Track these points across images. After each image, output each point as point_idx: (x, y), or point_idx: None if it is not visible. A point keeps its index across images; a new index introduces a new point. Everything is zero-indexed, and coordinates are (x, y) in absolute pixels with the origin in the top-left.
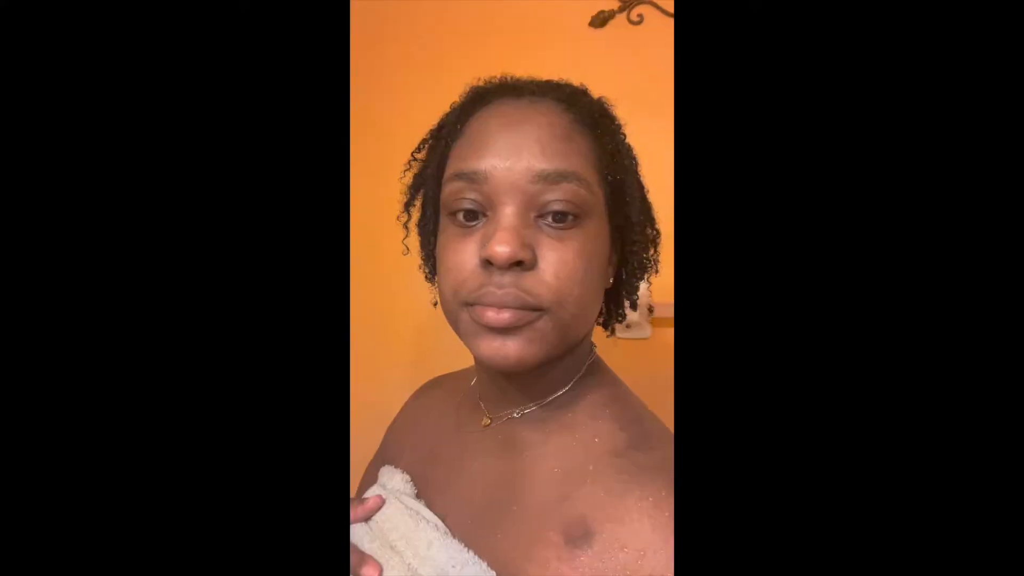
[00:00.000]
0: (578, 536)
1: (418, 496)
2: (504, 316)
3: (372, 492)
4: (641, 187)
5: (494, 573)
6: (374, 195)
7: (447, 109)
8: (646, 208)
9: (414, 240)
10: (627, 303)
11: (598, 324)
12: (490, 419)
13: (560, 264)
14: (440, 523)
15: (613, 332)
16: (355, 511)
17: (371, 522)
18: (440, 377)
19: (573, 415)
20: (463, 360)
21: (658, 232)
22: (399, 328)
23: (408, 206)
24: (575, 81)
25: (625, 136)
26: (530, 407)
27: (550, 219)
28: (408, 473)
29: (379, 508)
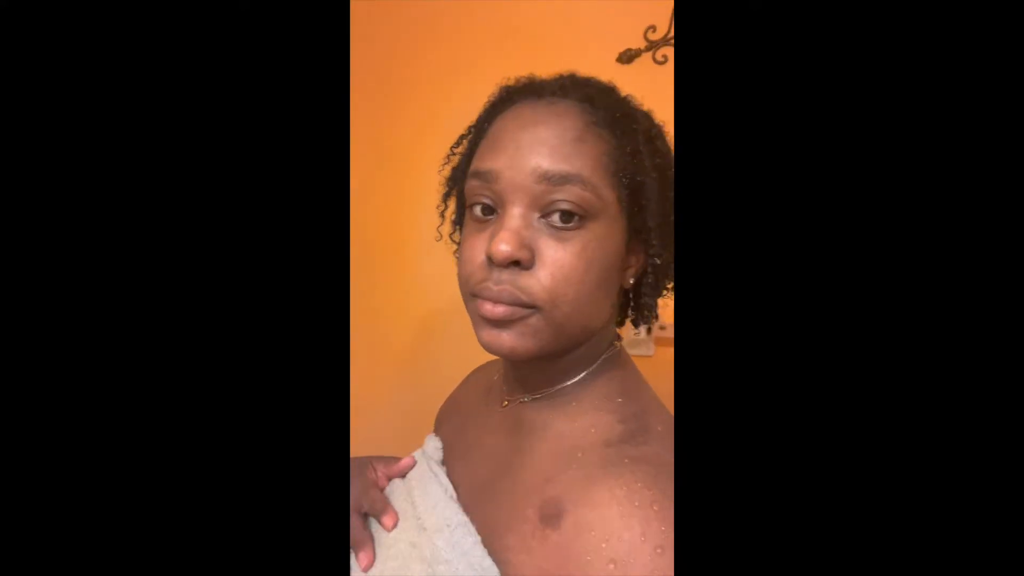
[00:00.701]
0: (551, 515)
1: (443, 462)
2: (498, 310)
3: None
4: (666, 190)
5: (479, 538)
6: (376, 195)
7: (462, 118)
8: (669, 214)
9: (447, 229)
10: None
11: (630, 321)
12: (507, 401)
13: (556, 266)
14: (450, 487)
15: (649, 331)
16: (392, 468)
17: (405, 479)
18: (486, 363)
19: (578, 404)
20: (460, 359)
21: None
22: (400, 326)
23: (446, 197)
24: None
25: (654, 138)
26: (538, 394)
27: (555, 219)
28: (442, 441)
29: (411, 467)
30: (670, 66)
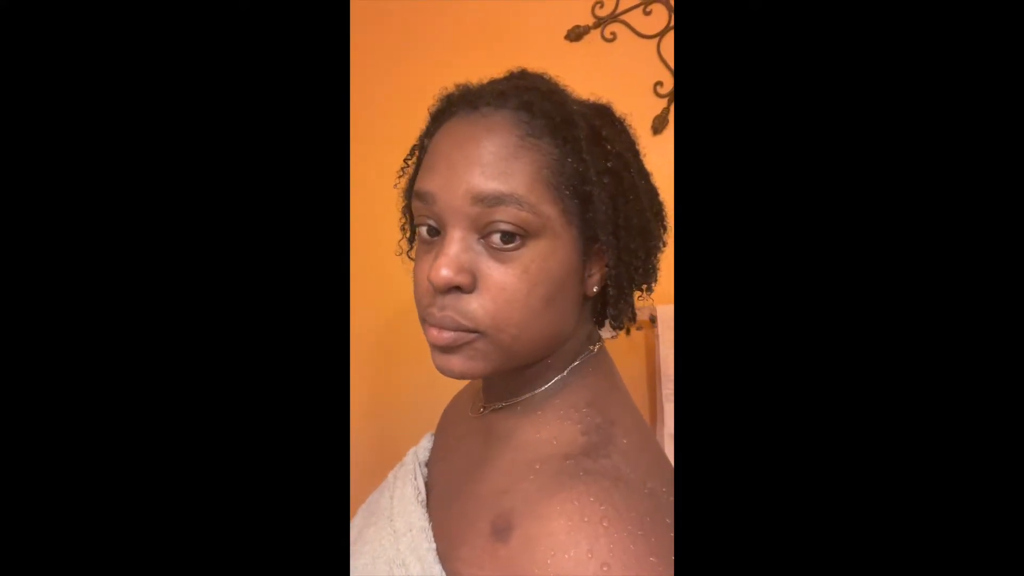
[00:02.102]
0: (501, 528)
1: (427, 463)
2: (444, 336)
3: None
4: (623, 192)
5: (435, 545)
6: (375, 194)
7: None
8: (628, 218)
9: (406, 245)
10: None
11: (609, 323)
12: (483, 408)
13: (498, 289)
14: (422, 490)
15: (628, 332)
16: None
17: (393, 476)
18: None
19: (543, 413)
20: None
21: (656, 243)
22: (399, 327)
23: (405, 211)
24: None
25: (604, 140)
26: (507, 402)
27: (495, 239)
28: (433, 441)
29: None
30: (618, 43)
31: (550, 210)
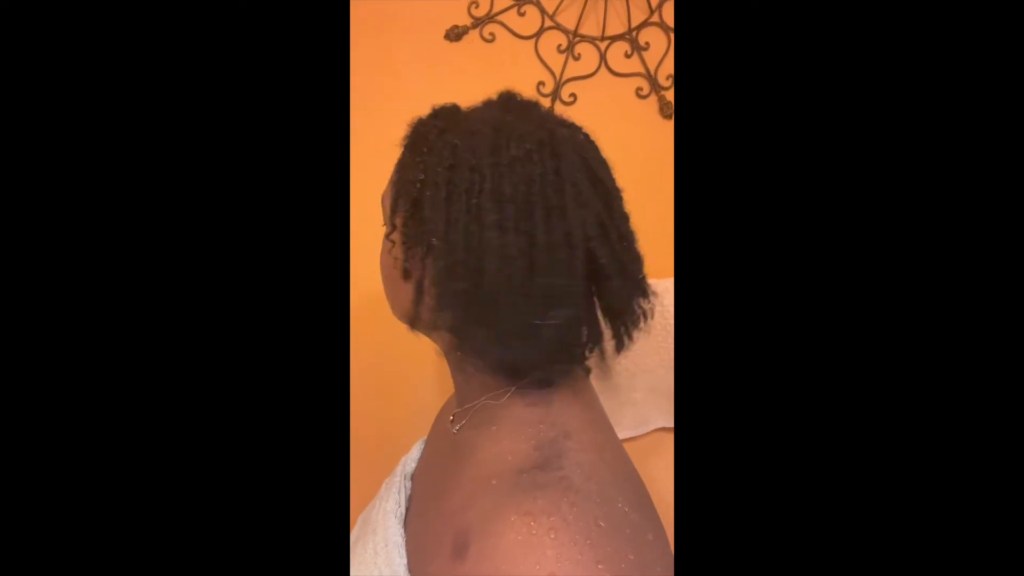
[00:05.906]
0: (460, 546)
1: (412, 475)
2: None
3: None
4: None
5: (405, 561)
6: (374, 190)
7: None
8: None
9: None
10: None
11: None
12: (453, 416)
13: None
14: (402, 504)
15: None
16: None
17: (386, 483)
18: None
19: (498, 429)
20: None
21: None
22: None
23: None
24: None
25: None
26: (460, 408)
27: None
28: (423, 450)
29: None
30: (498, 44)
31: (397, 217)
